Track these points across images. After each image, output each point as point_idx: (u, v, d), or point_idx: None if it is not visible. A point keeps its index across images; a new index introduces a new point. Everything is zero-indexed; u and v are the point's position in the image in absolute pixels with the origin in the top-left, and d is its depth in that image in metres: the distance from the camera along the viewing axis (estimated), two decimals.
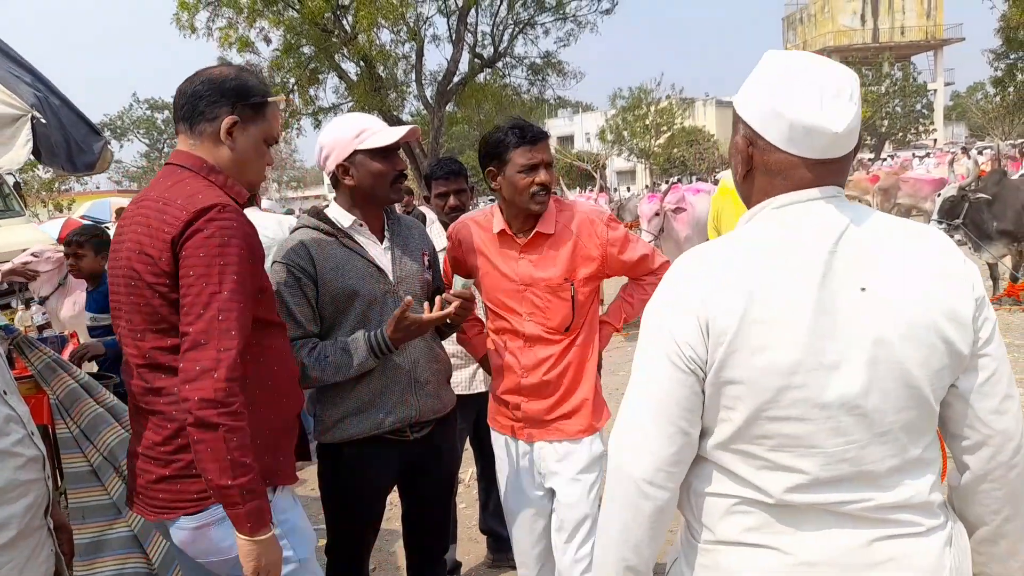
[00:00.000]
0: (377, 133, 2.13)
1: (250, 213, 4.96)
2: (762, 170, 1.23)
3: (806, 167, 1.19)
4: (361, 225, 2.19)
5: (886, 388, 1.13)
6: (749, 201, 1.28)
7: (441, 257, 2.71)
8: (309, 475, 2.24)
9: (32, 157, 3.55)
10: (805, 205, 1.19)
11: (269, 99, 1.78)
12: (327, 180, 2.31)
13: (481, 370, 3.14)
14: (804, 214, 1.18)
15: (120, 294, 1.68)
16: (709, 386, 1.18)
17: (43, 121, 3.26)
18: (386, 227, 2.26)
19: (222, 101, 1.71)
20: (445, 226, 3.16)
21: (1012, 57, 18.15)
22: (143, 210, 1.64)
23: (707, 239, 8.48)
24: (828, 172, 1.19)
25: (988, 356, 1.18)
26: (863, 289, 1.13)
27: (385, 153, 2.15)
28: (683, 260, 1.27)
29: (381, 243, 2.23)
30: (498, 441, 2.49)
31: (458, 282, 2.17)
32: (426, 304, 2.14)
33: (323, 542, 2.34)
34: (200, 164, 1.70)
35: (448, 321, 2.14)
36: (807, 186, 1.19)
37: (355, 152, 2.12)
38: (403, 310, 2.03)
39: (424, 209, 3.71)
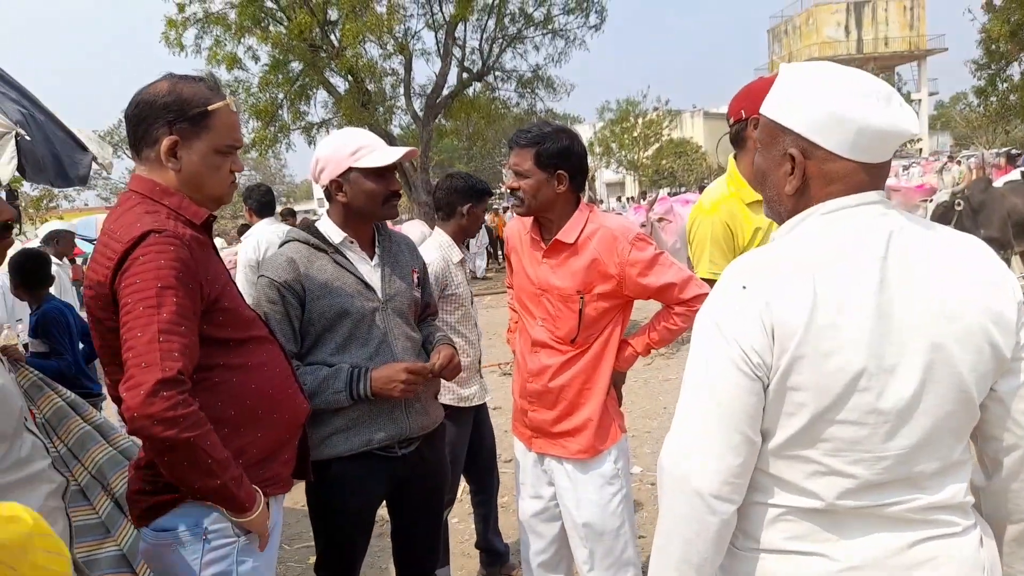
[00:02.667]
0: (374, 152, 2.11)
1: (264, 225, 4.94)
2: (820, 180, 1.21)
3: (864, 172, 1.20)
4: (352, 242, 2.18)
5: (940, 392, 1.14)
6: (795, 212, 1.25)
7: (431, 273, 2.70)
8: (299, 492, 2.20)
9: (17, 173, 3.54)
10: (854, 210, 1.19)
11: (210, 107, 1.65)
12: (317, 194, 2.31)
13: (478, 384, 3.13)
14: (853, 218, 1.19)
15: (91, 326, 1.67)
16: (772, 392, 1.16)
17: (27, 137, 3.24)
18: (377, 243, 2.25)
19: (159, 122, 1.62)
20: (457, 238, 3.05)
21: (993, 68, 18.36)
22: (99, 243, 1.63)
23: None
24: (878, 175, 1.22)
25: None
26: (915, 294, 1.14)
27: (380, 172, 2.13)
28: (738, 265, 1.25)
29: (371, 259, 2.22)
30: (518, 447, 2.53)
31: None
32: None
33: (312, 560, 2.32)
34: (152, 188, 1.65)
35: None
36: (859, 190, 1.20)
37: (350, 169, 2.10)
38: (410, 369, 2.09)
39: (421, 225, 3.68)
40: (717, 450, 1.18)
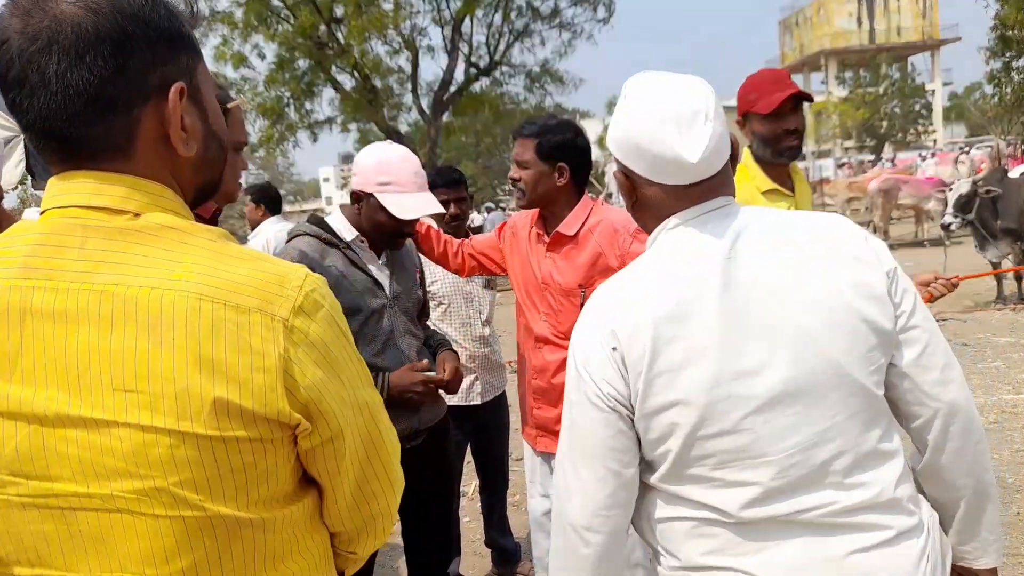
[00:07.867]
0: (401, 195, 2.07)
1: (271, 223, 4.95)
2: (643, 202, 1.22)
3: (684, 190, 1.17)
4: (362, 241, 2.17)
5: (819, 382, 1.08)
6: (646, 229, 1.26)
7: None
8: None
9: (28, 176, 3.55)
10: (698, 219, 1.16)
11: (227, 106, 1.67)
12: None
13: (479, 381, 3.11)
14: (698, 228, 1.15)
15: None
16: (639, 420, 1.12)
17: None
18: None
19: None
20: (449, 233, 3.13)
21: (1007, 55, 18.12)
22: None
23: None
24: (709, 188, 1.17)
25: (917, 328, 1.14)
26: (770, 286, 1.10)
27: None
28: (594, 295, 1.23)
29: (379, 258, 2.22)
30: (527, 446, 2.53)
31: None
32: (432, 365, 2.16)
33: None
34: None
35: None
36: (692, 205, 1.17)
37: (373, 194, 2.08)
38: (427, 380, 2.07)
39: (429, 222, 3.68)
40: (584, 484, 1.17)
